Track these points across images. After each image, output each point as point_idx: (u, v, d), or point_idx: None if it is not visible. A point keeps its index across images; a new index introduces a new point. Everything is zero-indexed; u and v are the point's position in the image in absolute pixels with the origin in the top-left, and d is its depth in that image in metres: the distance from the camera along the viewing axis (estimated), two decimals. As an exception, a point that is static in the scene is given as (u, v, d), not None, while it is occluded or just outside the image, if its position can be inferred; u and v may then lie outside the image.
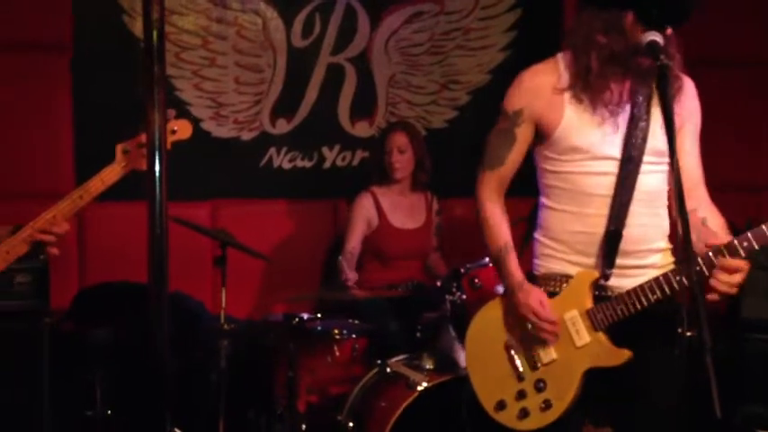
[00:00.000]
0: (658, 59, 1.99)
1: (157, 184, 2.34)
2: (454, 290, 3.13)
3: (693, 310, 1.77)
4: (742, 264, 2.02)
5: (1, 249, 2.28)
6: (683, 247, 1.84)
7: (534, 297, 2.17)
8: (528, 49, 4.35)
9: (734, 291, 2.03)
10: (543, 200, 2.24)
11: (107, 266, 3.85)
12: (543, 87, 2.17)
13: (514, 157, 2.23)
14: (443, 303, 3.13)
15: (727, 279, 2.01)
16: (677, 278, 2.04)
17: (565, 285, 2.18)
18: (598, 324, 2.14)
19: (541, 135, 2.19)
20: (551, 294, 2.20)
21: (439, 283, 3.23)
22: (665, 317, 2.00)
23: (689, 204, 2.01)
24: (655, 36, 2.03)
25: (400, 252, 3.80)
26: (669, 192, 2.19)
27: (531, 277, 2.25)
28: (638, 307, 2.09)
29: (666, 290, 2.07)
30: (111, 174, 2.38)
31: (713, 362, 1.72)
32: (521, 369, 2.23)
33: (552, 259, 2.21)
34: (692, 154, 2.20)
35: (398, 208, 3.85)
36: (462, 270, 3.18)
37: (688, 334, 1.78)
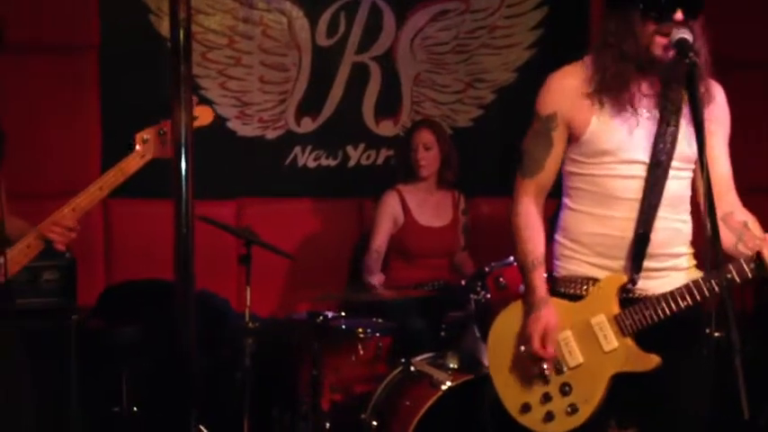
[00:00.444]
0: (687, 57, 1.97)
1: (183, 182, 2.35)
2: (479, 289, 3.12)
3: (721, 311, 1.75)
4: None
5: (22, 245, 2.30)
6: (711, 249, 1.81)
7: (541, 326, 2.16)
8: (554, 47, 4.33)
9: None
10: (566, 201, 2.22)
11: (133, 264, 3.88)
12: (570, 89, 2.16)
13: (552, 162, 2.20)
14: (468, 302, 3.12)
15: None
16: (708, 285, 2.02)
17: (586, 288, 2.17)
18: (626, 329, 2.12)
19: (571, 137, 2.17)
20: (575, 297, 2.18)
21: (464, 282, 3.22)
22: (693, 320, 1.99)
23: (723, 208, 2.04)
24: (684, 33, 2.01)
25: (426, 250, 3.79)
26: (694, 196, 2.17)
27: (552, 279, 2.24)
28: (668, 313, 2.07)
29: (697, 296, 2.04)
30: (130, 163, 2.36)
31: (742, 363, 1.69)
32: (546, 372, 2.21)
33: (572, 261, 2.20)
34: (721, 159, 2.18)
35: (424, 206, 3.84)
36: (487, 269, 3.16)
37: (716, 335, 1.76)
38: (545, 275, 2.21)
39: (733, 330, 1.71)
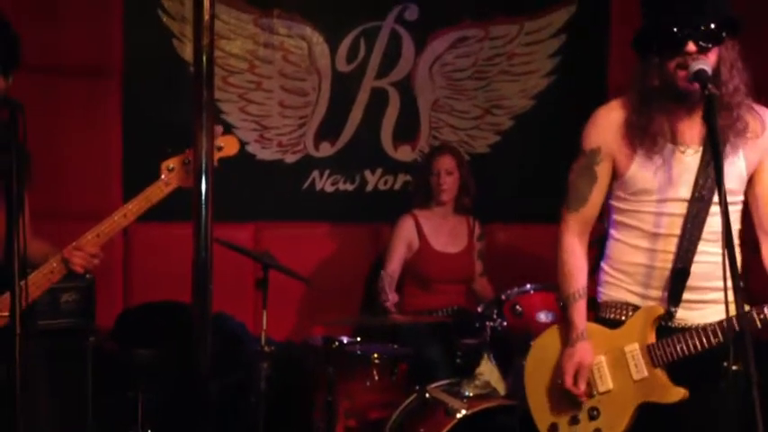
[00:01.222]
0: (706, 88, 1.98)
1: (203, 206, 2.38)
2: (495, 316, 3.11)
3: (739, 344, 1.74)
4: None
5: (45, 269, 2.32)
6: (733, 283, 1.81)
7: (574, 363, 2.20)
8: (572, 74, 4.34)
9: None
10: (612, 231, 2.27)
11: (152, 286, 3.90)
12: (616, 125, 2.19)
13: (597, 196, 2.24)
14: (484, 329, 3.11)
15: None
16: (740, 324, 1.98)
17: (626, 313, 2.21)
18: (657, 360, 2.15)
19: (614, 173, 2.22)
20: (614, 323, 2.22)
21: (480, 309, 3.21)
22: (712, 353, 1.98)
23: None
24: (701, 64, 2.02)
25: (441, 276, 3.79)
26: (740, 230, 2.18)
27: (594, 304, 2.29)
28: (699, 348, 2.09)
29: (730, 335, 2.04)
30: (156, 192, 2.39)
31: (760, 395, 1.68)
32: (580, 401, 2.25)
33: (614, 287, 2.25)
34: None
35: (440, 231, 3.84)
36: (504, 297, 3.15)
37: (734, 368, 1.75)
38: (585, 310, 2.25)
39: (751, 363, 1.70)
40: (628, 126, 2.17)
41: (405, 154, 4.32)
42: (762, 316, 2.03)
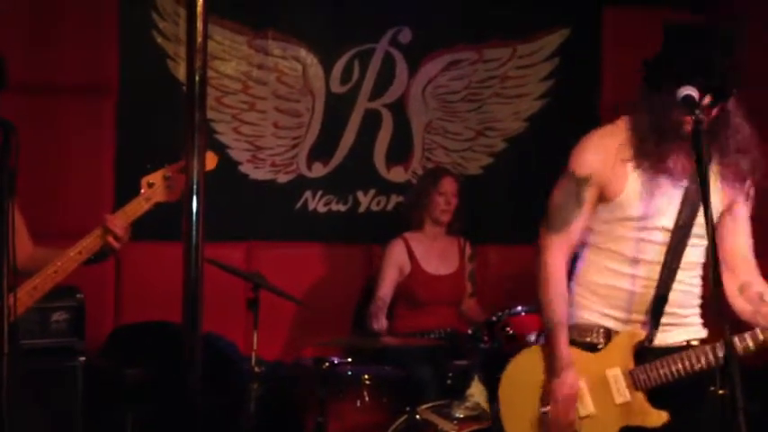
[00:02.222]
0: (693, 114, 1.99)
1: (194, 227, 2.38)
2: (486, 337, 3.11)
3: (726, 369, 1.75)
4: None
5: (29, 286, 2.32)
6: (717, 312, 1.83)
7: (565, 392, 2.18)
8: (564, 98, 4.38)
9: None
10: (587, 253, 2.26)
11: (143, 305, 3.89)
12: (610, 152, 2.17)
13: (580, 222, 2.22)
14: (474, 351, 3.12)
15: None
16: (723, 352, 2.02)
17: (599, 337, 2.21)
18: (640, 384, 2.16)
19: (601, 197, 2.21)
20: (588, 346, 2.22)
21: (470, 331, 3.21)
22: (698, 378, 2.00)
23: (742, 277, 2.13)
24: (689, 90, 2.03)
25: (433, 298, 3.79)
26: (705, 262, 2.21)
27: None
28: (683, 373, 2.11)
29: (712, 361, 2.08)
30: (135, 207, 2.40)
31: (746, 421, 1.69)
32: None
33: (587, 310, 2.24)
34: (741, 227, 2.22)
35: (431, 254, 3.85)
36: (495, 318, 3.16)
37: (720, 392, 1.76)
38: (567, 337, 2.22)
39: (737, 388, 1.71)
40: (621, 155, 2.16)
41: (397, 175, 4.34)
42: (744, 344, 2.06)
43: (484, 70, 4.37)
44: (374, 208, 4.32)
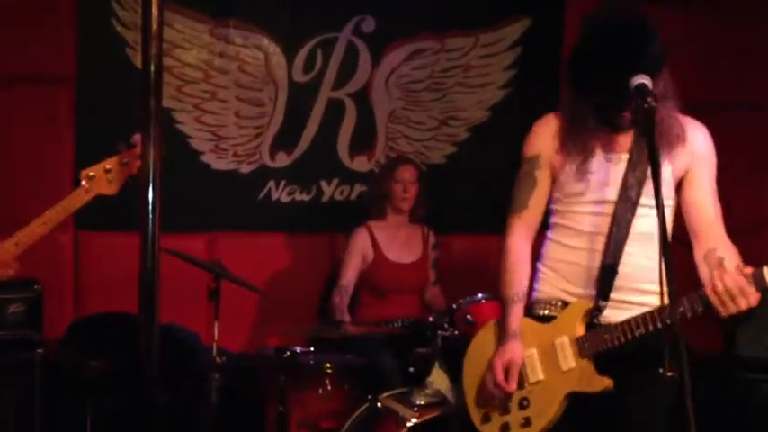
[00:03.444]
0: (645, 102, 2.03)
1: (150, 216, 2.37)
2: (446, 325, 3.13)
3: (674, 351, 1.78)
4: (745, 286, 2.02)
5: None
6: (668, 284, 1.87)
7: (505, 360, 2.29)
8: (527, 87, 4.40)
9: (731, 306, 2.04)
10: (548, 233, 2.37)
11: (103, 297, 3.86)
12: (551, 134, 2.32)
13: (537, 200, 2.34)
14: (435, 339, 3.13)
15: (728, 294, 2.02)
16: (662, 317, 2.09)
17: (557, 310, 2.30)
18: (584, 351, 2.22)
19: (552, 178, 2.32)
20: (546, 318, 2.30)
21: (431, 319, 3.23)
22: (648, 360, 2.03)
23: (706, 245, 2.15)
24: (643, 79, 2.07)
25: (396, 286, 3.80)
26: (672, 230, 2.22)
27: (529, 301, 2.37)
28: (623, 340, 2.16)
29: (651, 327, 2.12)
30: (74, 200, 2.39)
31: (693, 404, 1.72)
32: (506, 401, 2.34)
33: (547, 284, 2.34)
34: (705, 199, 2.25)
35: (394, 242, 3.86)
36: (455, 306, 3.18)
37: (669, 374, 1.79)
38: (522, 313, 2.33)
39: (685, 371, 1.74)
40: (561, 139, 2.28)
41: (361, 164, 4.34)
42: (681, 308, 2.06)
43: (447, 60, 4.38)
44: (338, 197, 4.31)
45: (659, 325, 2.09)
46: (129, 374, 3.10)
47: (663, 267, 1.87)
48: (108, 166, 2.34)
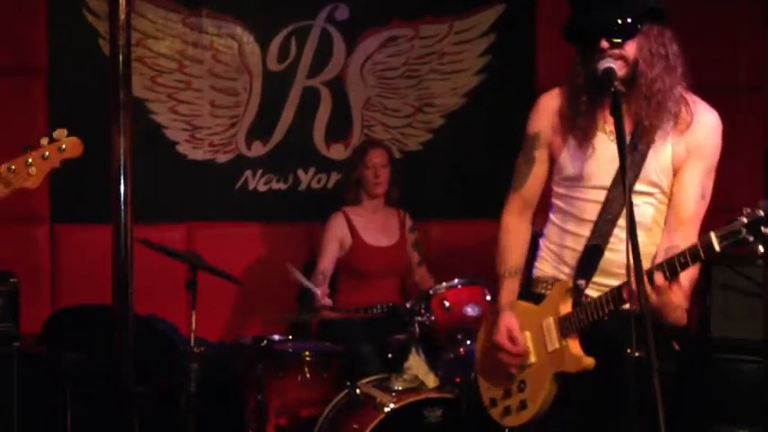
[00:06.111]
0: (612, 87, 2.04)
1: (122, 207, 2.36)
2: (423, 311, 3.15)
3: (641, 331, 1.80)
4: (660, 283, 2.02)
5: None
6: (635, 267, 1.89)
7: (503, 328, 2.29)
8: (502, 73, 4.41)
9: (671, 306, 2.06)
10: (549, 214, 2.36)
11: (80, 289, 3.84)
12: (553, 112, 2.29)
13: (534, 178, 2.34)
14: (413, 324, 3.15)
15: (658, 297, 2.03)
16: (620, 294, 2.09)
17: (550, 289, 2.30)
18: (566, 331, 2.23)
19: (551, 159, 2.32)
20: (540, 296, 2.30)
21: (408, 305, 3.25)
22: (619, 340, 2.04)
23: (674, 240, 2.11)
24: (608, 63, 2.08)
25: (375, 269, 3.81)
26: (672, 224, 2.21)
27: (529, 279, 2.38)
28: (595, 317, 2.16)
29: (617, 301, 2.10)
30: None
31: (660, 384, 1.74)
32: (512, 371, 2.34)
33: (546, 263, 2.34)
34: (689, 189, 2.19)
35: (371, 226, 3.87)
36: (431, 291, 3.20)
37: (636, 354, 1.81)
38: (515, 287, 2.35)
39: (652, 351, 1.76)
40: (560, 117, 2.26)
41: (337, 152, 4.34)
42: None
43: (421, 47, 4.38)
44: (315, 186, 4.31)
45: (626, 298, 2.06)
46: (107, 366, 3.10)
47: (630, 247, 1.88)
48: (29, 160, 2.31)
